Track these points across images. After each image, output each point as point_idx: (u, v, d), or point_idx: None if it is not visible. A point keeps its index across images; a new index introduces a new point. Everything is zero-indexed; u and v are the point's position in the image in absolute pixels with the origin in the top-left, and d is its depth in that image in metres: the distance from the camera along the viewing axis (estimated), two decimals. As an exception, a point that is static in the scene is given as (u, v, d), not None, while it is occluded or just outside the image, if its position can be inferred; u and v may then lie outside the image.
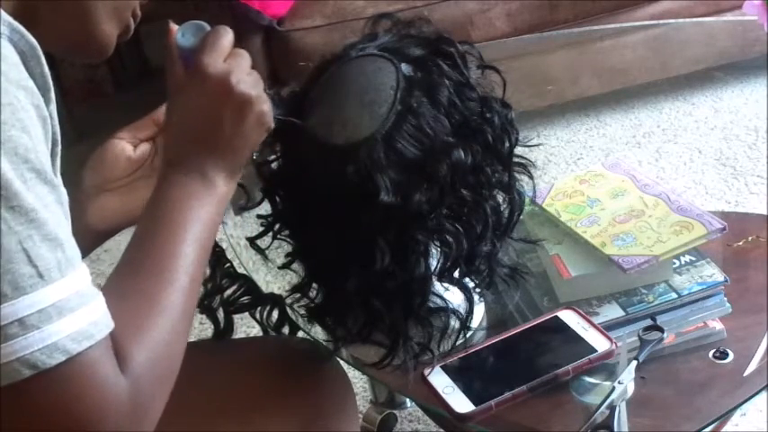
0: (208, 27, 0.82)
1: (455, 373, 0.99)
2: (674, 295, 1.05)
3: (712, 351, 1.02)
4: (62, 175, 0.68)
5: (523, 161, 0.97)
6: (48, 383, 0.59)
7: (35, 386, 0.59)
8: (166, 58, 0.81)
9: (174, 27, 0.82)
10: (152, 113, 0.93)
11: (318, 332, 1.03)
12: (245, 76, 0.79)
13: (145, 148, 0.93)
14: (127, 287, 0.71)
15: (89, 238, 0.91)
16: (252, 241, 1.00)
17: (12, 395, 0.59)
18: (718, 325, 1.05)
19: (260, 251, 1.00)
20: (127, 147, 0.92)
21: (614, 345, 0.98)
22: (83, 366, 0.60)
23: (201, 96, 0.78)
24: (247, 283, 1.06)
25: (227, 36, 0.81)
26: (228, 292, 1.05)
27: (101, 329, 0.62)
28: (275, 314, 1.05)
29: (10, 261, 0.57)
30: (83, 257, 0.85)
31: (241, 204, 0.99)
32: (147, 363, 0.65)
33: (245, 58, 0.81)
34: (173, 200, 0.76)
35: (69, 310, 0.60)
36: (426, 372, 0.99)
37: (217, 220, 0.79)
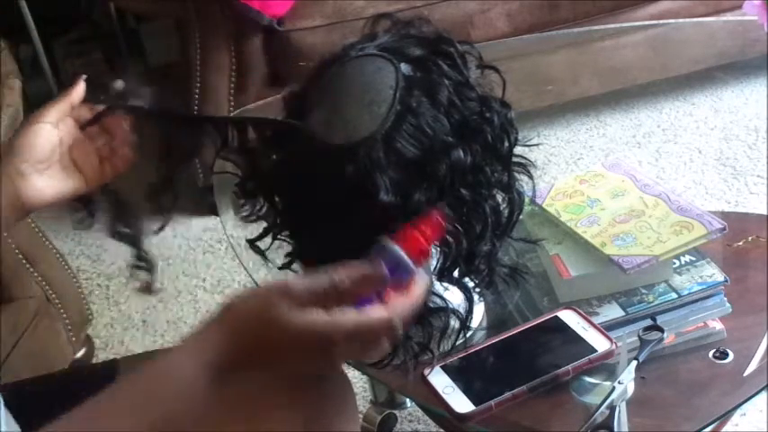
0: (412, 268, 0.74)
1: (455, 373, 0.99)
2: (674, 295, 1.05)
3: (712, 351, 1.02)
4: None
5: (523, 161, 0.97)
6: None
7: None
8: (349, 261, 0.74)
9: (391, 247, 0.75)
10: (68, 95, 0.95)
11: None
12: (358, 349, 0.73)
13: (63, 132, 0.94)
14: None
15: (22, 213, 0.94)
16: (252, 243, 1.00)
17: None
18: (718, 325, 1.05)
19: (260, 252, 1.00)
20: (53, 133, 0.93)
21: (614, 345, 0.98)
22: None
23: (299, 335, 0.70)
24: None
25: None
26: None
27: None
28: None
29: None
30: (11, 228, 0.88)
31: (243, 212, 0.99)
32: None
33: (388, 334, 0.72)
34: (157, 375, 0.71)
35: None
36: (426, 372, 0.99)
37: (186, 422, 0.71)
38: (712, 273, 1.07)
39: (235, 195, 0.96)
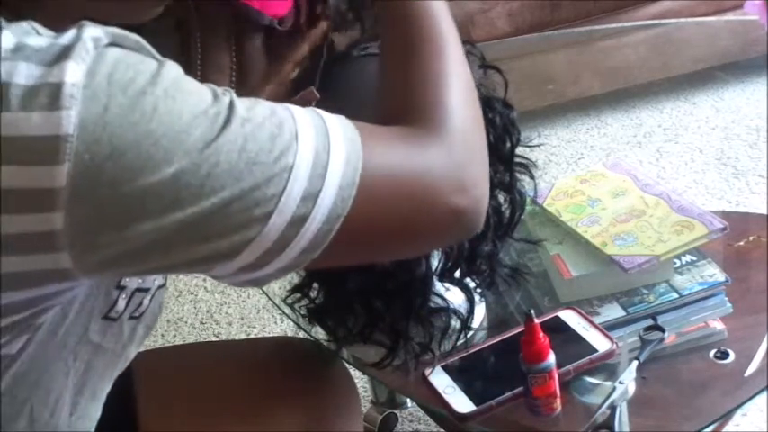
0: None
1: (456, 372, 0.99)
2: (674, 295, 1.05)
3: (713, 351, 1.02)
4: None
5: (525, 161, 0.97)
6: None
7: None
8: None
9: None
10: None
11: (319, 332, 1.03)
12: None
13: None
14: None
15: None
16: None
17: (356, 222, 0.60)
18: (718, 325, 1.05)
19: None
20: None
21: (615, 345, 0.98)
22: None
23: None
24: None
25: None
26: None
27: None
28: None
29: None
30: None
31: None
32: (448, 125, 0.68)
33: None
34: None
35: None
36: (427, 372, 0.99)
37: None
38: (713, 273, 1.07)
39: None
